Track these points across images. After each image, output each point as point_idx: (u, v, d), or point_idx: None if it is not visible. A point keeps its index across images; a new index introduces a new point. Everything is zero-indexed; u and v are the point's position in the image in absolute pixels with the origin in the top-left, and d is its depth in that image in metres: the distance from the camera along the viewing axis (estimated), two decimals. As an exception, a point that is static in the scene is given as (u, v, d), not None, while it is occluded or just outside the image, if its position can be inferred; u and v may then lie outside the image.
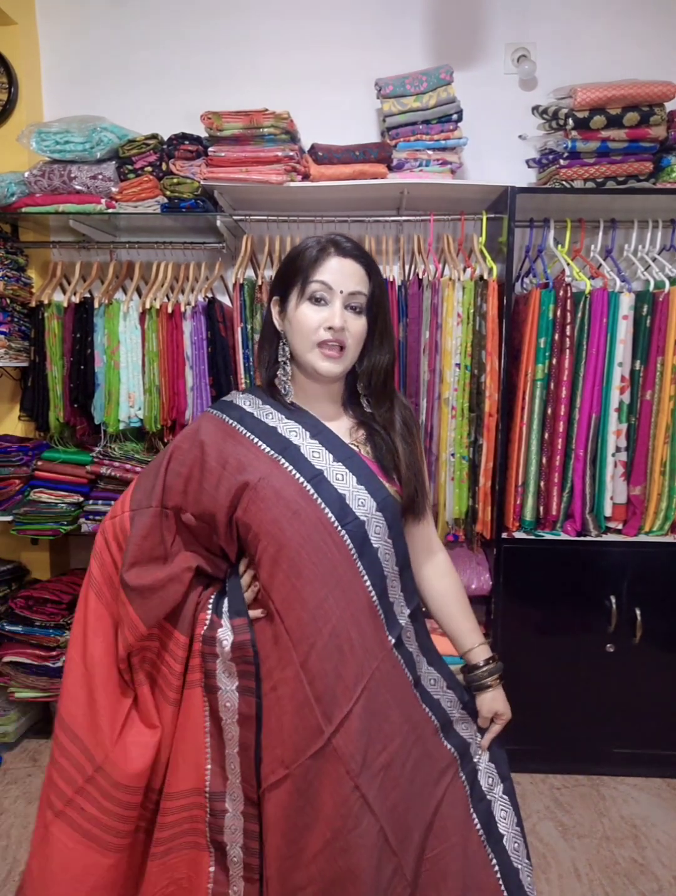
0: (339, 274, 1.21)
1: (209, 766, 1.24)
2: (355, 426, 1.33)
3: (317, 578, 1.18)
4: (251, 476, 1.19)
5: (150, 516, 1.24)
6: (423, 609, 1.40)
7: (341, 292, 1.21)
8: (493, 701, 1.32)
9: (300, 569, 1.18)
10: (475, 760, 1.32)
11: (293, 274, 1.24)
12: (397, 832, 1.19)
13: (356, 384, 1.34)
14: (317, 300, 1.22)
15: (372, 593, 1.22)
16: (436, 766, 1.26)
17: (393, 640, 1.24)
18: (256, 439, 1.24)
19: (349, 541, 1.20)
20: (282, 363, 1.29)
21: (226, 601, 1.26)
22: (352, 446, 1.29)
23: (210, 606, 1.26)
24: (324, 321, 1.21)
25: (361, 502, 1.22)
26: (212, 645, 1.23)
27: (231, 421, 1.27)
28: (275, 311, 1.29)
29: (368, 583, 1.22)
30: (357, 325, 1.24)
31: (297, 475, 1.21)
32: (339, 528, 1.20)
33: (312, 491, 1.20)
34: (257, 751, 1.21)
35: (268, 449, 1.22)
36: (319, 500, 1.20)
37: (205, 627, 1.24)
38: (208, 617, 1.25)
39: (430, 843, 1.23)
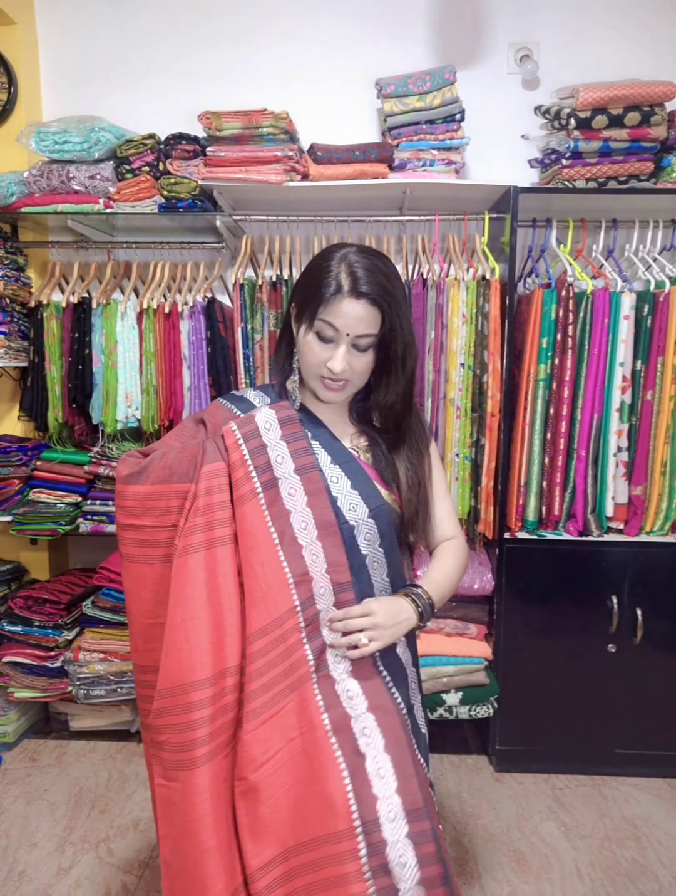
0: (349, 318, 1.18)
1: (290, 579, 1.14)
2: (357, 433, 1.35)
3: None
4: None
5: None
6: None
7: (347, 336, 1.19)
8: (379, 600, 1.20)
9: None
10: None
11: (308, 297, 1.21)
12: None
13: (367, 395, 1.34)
14: (323, 338, 1.20)
15: (356, 599, 1.20)
16: None
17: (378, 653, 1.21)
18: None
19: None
20: (295, 368, 1.30)
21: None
22: (352, 451, 1.30)
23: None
24: (327, 360, 1.21)
25: (353, 507, 1.22)
26: (256, 436, 1.19)
27: (237, 411, 1.30)
28: (293, 320, 1.29)
29: (353, 587, 1.20)
30: (361, 362, 1.23)
31: None
32: None
33: None
34: (338, 523, 1.18)
35: None
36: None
37: (238, 435, 1.19)
38: (233, 427, 1.20)
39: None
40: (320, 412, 1.33)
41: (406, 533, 1.34)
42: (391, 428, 1.33)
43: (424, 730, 1.34)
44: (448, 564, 1.34)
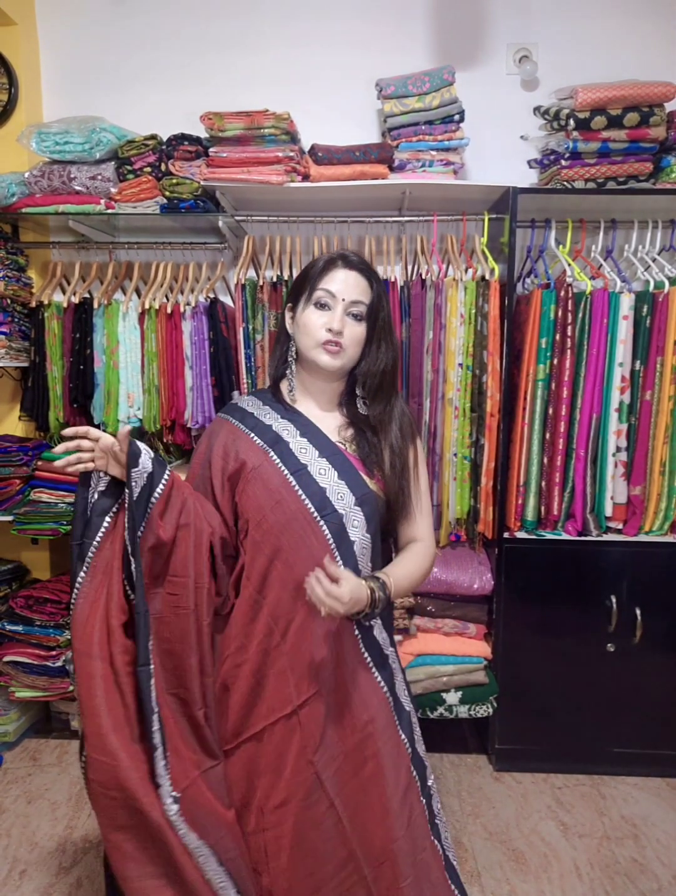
0: (343, 284, 1.37)
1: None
2: (345, 425, 1.45)
3: (297, 563, 1.30)
4: (249, 462, 1.35)
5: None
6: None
7: (343, 300, 1.36)
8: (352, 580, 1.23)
9: (280, 553, 1.31)
10: (430, 784, 1.45)
11: (303, 283, 1.40)
12: (353, 821, 1.31)
13: (355, 387, 1.46)
14: (321, 306, 1.37)
15: None
16: (401, 784, 1.36)
17: (360, 635, 1.37)
18: (253, 435, 1.39)
19: (327, 531, 1.31)
20: (290, 362, 1.45)
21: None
22: (339, 444, 1.41)
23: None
24: (326, 323, 1.35)
25: (341, 496, 1.33)
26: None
27: (235, 421, 1.43)
28: (288, 316, 1.46)
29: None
30: (356, 330, 1.38)
31: (283, 468, 1.34)
32: (318, 518, 1.31)
33: (294, 483, 1.33)
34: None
35: (260, 442, 1.37)
36: (301, 492, 1.32)
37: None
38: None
39: (404, 871, 1.32)
40: (312, 402, 1.46)
41: (389, 518, 1.43)
42: (374, 399, 1.43)
43: (408, 707, 1.45)
44: (413, 565, 1.40)
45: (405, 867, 1.32)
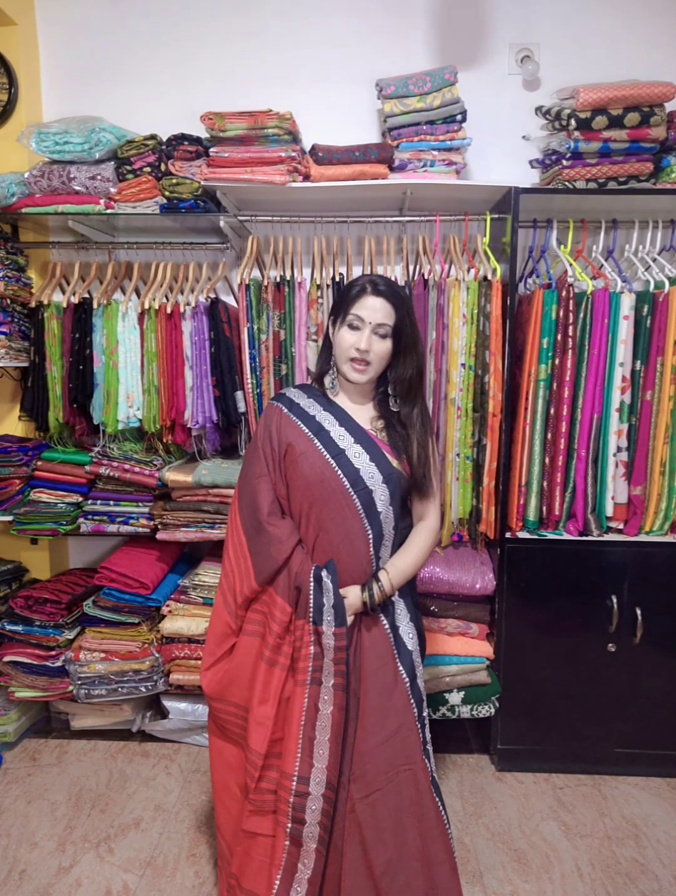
0: (371, 309, 1.62)
1: (299, 755, 1.53)
2: (377, 416, 1.74)
3: (334, 528, 1.62)
4: (296, 445, 1.64)
5: (267, 481, 1.67)
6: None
7: (370, 323, 1.62)
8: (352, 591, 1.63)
9: (323, 522, 1.63)
10: (425, 715, 1.68)
11: (341, 304, 1.67)
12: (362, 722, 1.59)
13: (387, 385, 1.73)
14: (353, 327, 1.63)
15: (371, 548, 1.64)
16: (396, 718, 1.60)
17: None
18: (300, 423, 1.68)
19: (358, 504, 1.62)
20: (332, 366, 1.73)
21: (328, 611, 1.57)
22: (371, 432, 1.70)
23: (311, 609, 1.56)
24: (355, 343, 1.62)
25: (371, 475, 1.63)
26: (319, 643, 1.56)
27: (284, 409, 1.72)
28: (331, 327, 1.72)
29: (371, 537, 1.63)
30: (381, 347, 1.64)
31: (325, 452, 1.63)
32: (353, 493, 1.61)
33: (334, 464, 1.62)
34: (343, 739, 1.57)
35: (307, 431, 1.66)
36: (339, 472, 1.62)
37: (312, 636, 1.57)
38: (311, 627, 1.57)
39: (378, 778, 1.57)
40: (349, 398, 1.75)
41: (410, 495, 1.74)
42: (404, 400, 1.71)
43: (410, 646, 1.67)
44: (413, 553, 1.70)
45: (382, 774, 1.56)
